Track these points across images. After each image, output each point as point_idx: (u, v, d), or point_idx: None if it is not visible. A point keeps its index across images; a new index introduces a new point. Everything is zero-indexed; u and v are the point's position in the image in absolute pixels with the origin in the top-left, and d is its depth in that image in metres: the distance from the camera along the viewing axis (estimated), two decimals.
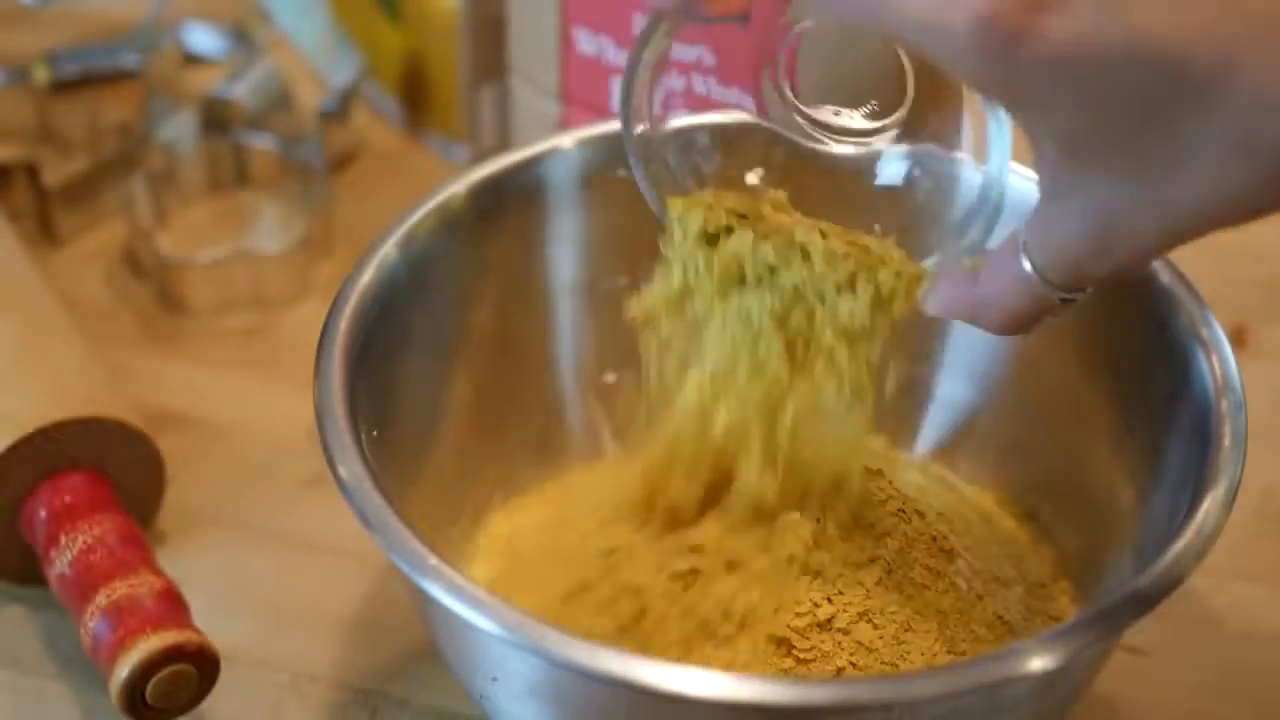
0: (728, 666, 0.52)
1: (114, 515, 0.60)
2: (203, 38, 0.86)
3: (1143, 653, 0.60)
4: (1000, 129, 0.50)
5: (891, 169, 0.53)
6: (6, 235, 0.71)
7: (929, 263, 0.51)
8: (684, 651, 0.53)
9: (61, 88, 0.82)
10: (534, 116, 0.74)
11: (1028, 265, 0.46)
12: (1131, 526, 0.56)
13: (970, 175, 0.51)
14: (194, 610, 0.58)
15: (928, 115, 0.52)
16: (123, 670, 0.55)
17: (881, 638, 0.53)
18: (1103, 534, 0.57)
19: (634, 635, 0.54)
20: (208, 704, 0.57)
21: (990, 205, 0.50)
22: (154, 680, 0.56)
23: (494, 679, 0.52)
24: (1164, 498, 0.54)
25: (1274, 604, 0.63)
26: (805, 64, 0.53)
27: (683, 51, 0.67)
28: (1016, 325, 0.48)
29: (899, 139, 0.52)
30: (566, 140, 0.62)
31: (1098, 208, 0.44)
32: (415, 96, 0.83)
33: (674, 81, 0.53)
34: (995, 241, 0.49)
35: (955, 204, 0.52)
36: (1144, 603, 0.48)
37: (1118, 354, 0.58)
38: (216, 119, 0.80)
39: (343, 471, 0.51)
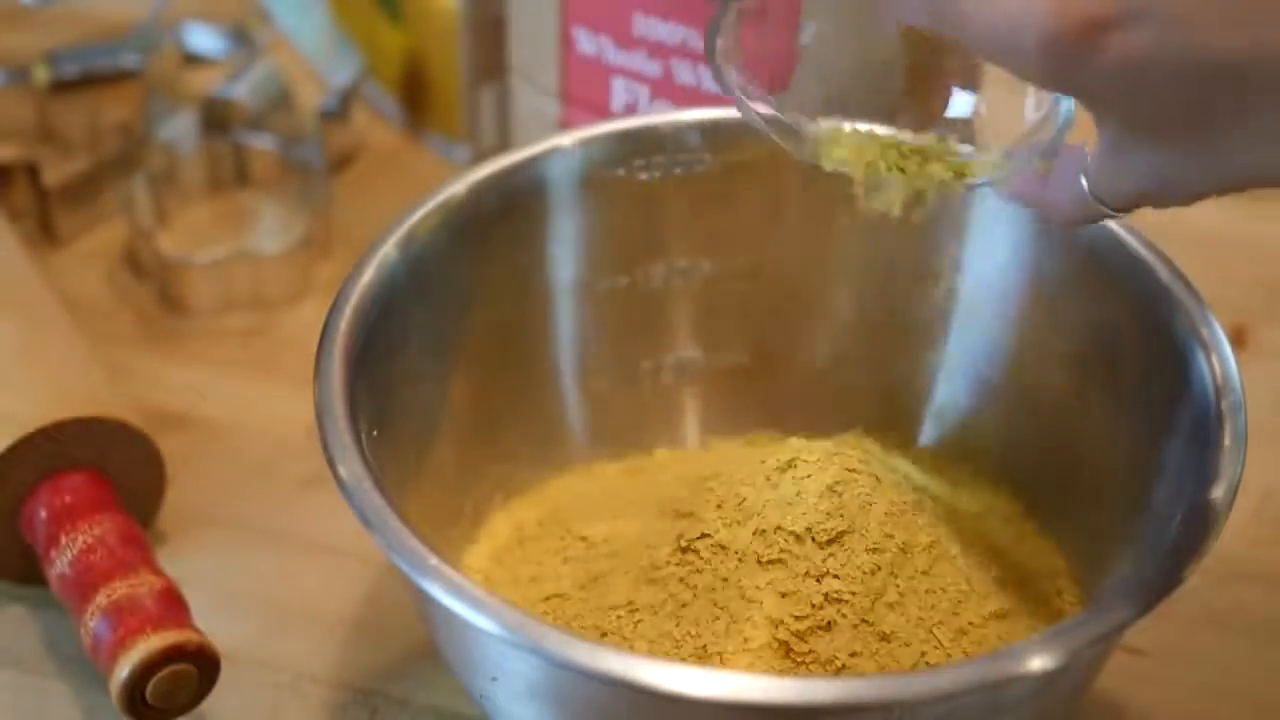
0: (726, 667, 0.52)
1: (114, 515, 0.60)
2: (203, 38, 0.86)
3: (1143, 653, 0.61)
4: None
5: (960, 102, 0.55)
6: (7, 235, 0.71)
7: (1000, 153, 0.53)
8: (675, 646, 0.53)
9: (61, 88, 0.82)
10: (534, 116, 0.74)
11: (1086, 186, 0.49)
12: (1131, 526, 0.56)
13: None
14: (194, 610, 0.58)
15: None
16: (123, 670, 0.55)
17: (881, 639, 0.53)
18: (1103, 534, 0.57)
19: (627, 629, 0.54)
20: (208, 704, 0.57)
21: (1060, 117, 0.53)
22: (154, 680, 0.56)
23: (494, 679, 0.52)
24: (1164, 498, 0.54)
25: (1274, 604, 0.63)
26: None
27: (666, 33, 0.68)
28: (1071, 225, 0.52)
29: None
30: (566, 140, 0.62)
31: (1153, 167, 0.47)
32: (415, 96, 0.83)
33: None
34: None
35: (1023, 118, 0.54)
36: (1144, 603, 0.48)
37: (1118, 354, 0.58)
38: (216, 119, 0.80)
39: (343, 471, 0.51)
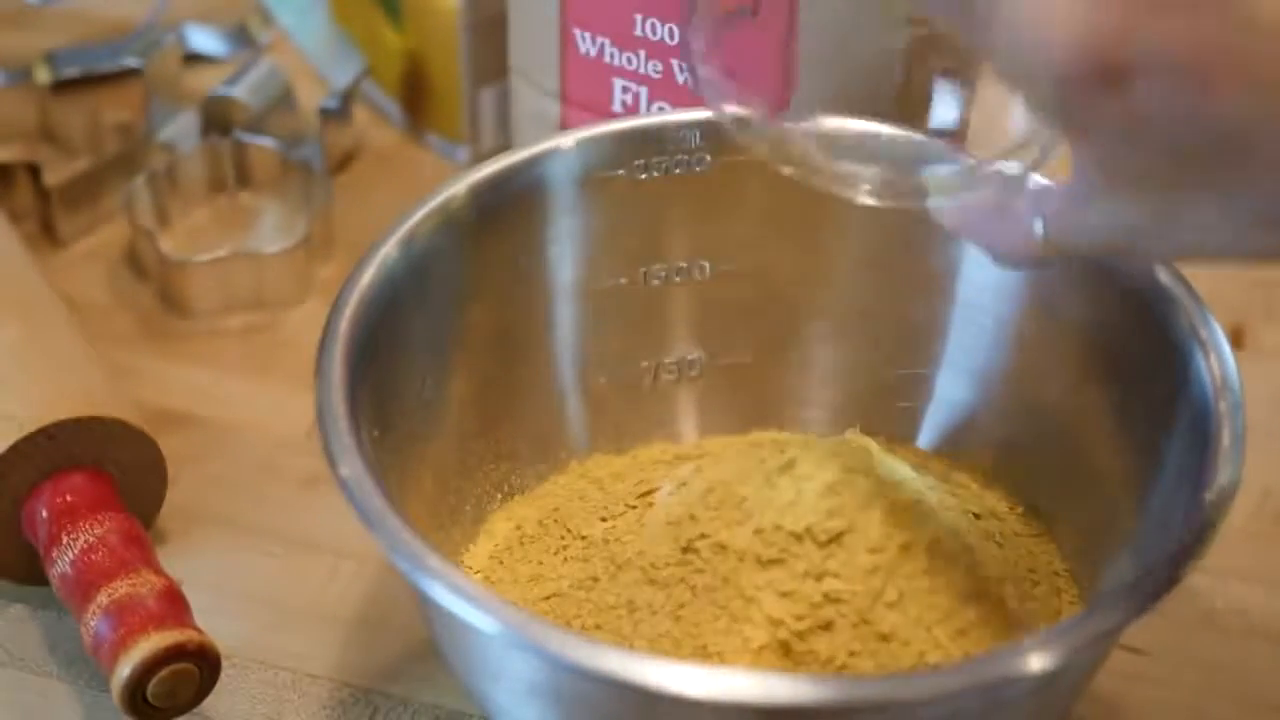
0: (726, 667, 0.52)
1: (115, 514, 0.60)
2: (203, 38, 0.86)
3: (1143, 653, 0.61)
4: None
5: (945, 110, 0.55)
6: (8, 236, 0.71)
7: (948, 171, 0.53)
8: (675, 646, 0.53)
9: (62, 88, 0.82)
10: (534, 117, 0.74)
11: (1039, 230, 0.49)
12: (1131, 526, 0.56)
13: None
14: (194, 610, 0.58)
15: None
16: (124, 669, 0.55)
17: (880, 639, 0.53)
18: (1103, 534, 0.58)
19: (627, 628, 0.54)
20: (209, 703, 0.57)
21: (1038, 154, 0.52)
22: (155, 679, 0.56)
23: (494, 679, 0.52)
24: (1164, 498, 0.54)
25: (1274, 604, 0.63)
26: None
27: (666, 33, 0.68)
28: (1015, 266, 0.53)
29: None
30: (566, 140, 0.62)
31: (1117, 225, 0.47)
32: (415, 97, 0.83)
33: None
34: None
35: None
36: (1144, 603, 0.48)
37: (1117, 354, 0.58)
38: (217, 119, 0.80)
39: (343, 471, 0.51)
